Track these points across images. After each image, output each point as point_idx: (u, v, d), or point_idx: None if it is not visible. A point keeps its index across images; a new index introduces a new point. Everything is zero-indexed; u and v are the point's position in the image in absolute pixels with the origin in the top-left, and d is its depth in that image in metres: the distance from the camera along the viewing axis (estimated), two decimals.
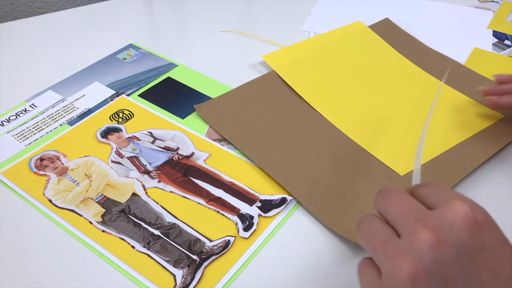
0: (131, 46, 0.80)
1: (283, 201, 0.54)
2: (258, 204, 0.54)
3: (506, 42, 0.83)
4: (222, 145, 0.61)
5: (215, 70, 0.75)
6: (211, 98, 0.69)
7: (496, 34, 0.85)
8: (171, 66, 0.76)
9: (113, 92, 0.70)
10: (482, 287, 0.30)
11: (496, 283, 0.30)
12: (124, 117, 0.65)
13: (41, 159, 0.59)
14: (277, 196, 0.55)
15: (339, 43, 0.72)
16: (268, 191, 0.55)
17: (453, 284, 0.30)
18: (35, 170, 0.58)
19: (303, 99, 0.68)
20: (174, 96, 0.69)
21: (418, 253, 0.31)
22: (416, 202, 0.34)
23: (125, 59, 0.77)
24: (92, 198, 0.54)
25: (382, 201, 0.35)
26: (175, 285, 0.46)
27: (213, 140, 0.62)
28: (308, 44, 0.73)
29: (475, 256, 0.30)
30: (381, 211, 0.35)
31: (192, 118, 0.66)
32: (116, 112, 0.66)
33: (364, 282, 0.34)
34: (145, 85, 0.72)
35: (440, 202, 0.33)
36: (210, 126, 0.64)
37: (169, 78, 0.73)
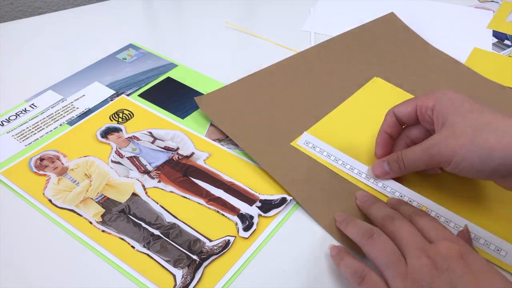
0: (131, 46, 0.80)
1: (283, 201, 0.54)
2: (258, 204, 0.54)
3: (506, 42, 0.83)
4: (222, 145, 0.61)
5: (215, 70, 0.75)
6: None
7: (496, 34, 0.85)
8: (171, 66, 0.76)
9: (113, 92, 0.70)
10: None
11: None
12: (124, 117, 0.65)
13: (41, 159, 0.59)
14: (277, 196, 0.55)
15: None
16: (268, 191, 0.55)
17: None
18: (35, 170, 0.58)
19: (305, 93, 0.68)
20: (174, 96, 0.69)
21: (422, 274, 0.41)
22: (419, 234, 0.45)
23: (125, 59, 0.77)
24: (92, 198, 0.54)
25: (392, 225, 0.46)
26: (175, 285, 0.46)
27: (213, 140, 0.62)
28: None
29: (464, 279, 0.40)
30: (389, 232, 0.46)
31: (192, 118, 0.66)
32: (116, 112, 0.66)
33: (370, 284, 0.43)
34: (145, 85, 0.72)
35: (437, 238, 0.44)
36: (210, 123, 0.64)
37: (169, 78, 0.73)
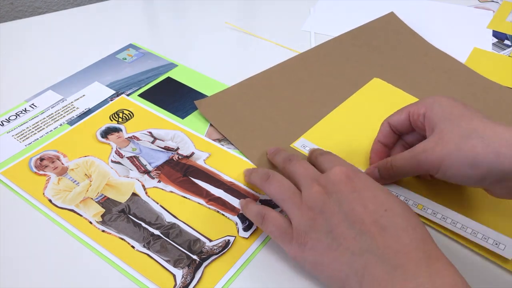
0: (131, 46, 0.80)
1: None
2: (258, 204, 0.54)
3: (506, 42, 0.83)
4: (222, 145, 0.61)
5: (215, 70, 0.75)
6: None
7: (496, 34, 0.85)
8: (171, 66, 0.76)
9: (113, 92, 0.70)
10: (358, 216, 0.43)
11: (366, 212, 0.43)
12: (124, 117, 0.65)
13: (41, 159, 0.59)
14: None
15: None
16: None
17: (336, 218, 0.43)
18: (35, 170, 0.58)
19: (305, 95, 0.68)
20: (174, 96, 0.69)
21: (314, 200, 0.45)
22: (313, 168, 0.50)
23: (125, 59, 0.77)
24: (92, 198, 0.54)
25: (290, 165, 0.51)
26: (175, 285, 0.46)
27: (213, 140, 0.62)
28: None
29: (349, 197, 0.44)
30: (289, 172, 0.51)
31: (192, 118, 0.66)
32: (116, 112, 0.66)
33: (271, 223, 0.48)
34: (145, 85, 0.72)
35: (328, 167, 0.48)
36: (210, 123, 0.64)
37: (169, 78, 0.73)
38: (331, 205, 0.44)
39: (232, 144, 0.61)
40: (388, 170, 0.53)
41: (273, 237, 0.47)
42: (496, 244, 0.49)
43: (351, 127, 0.63)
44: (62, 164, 0.58)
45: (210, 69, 0.75)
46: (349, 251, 0.42)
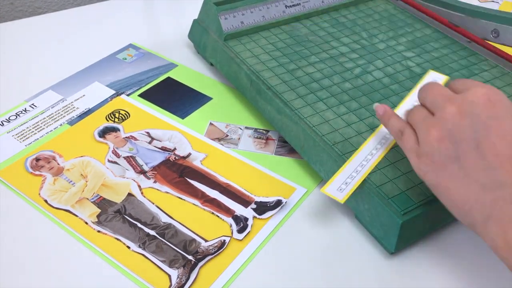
0: (131, 46, 0.80)
1: (278, 203, 0.54)
2: (253, 206, 0.54)
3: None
4: (221, 144, 0.61)
5: (215, 70, 0.75)
6: (211, 98, 0.69)
7: None
8: (171, 66, 0.76)
9: (113, 92, 0.70)
10: (493, 147, 0.39)
11: (503, 143, 0.39)
12: (120, 117, 0.65)
13: (37, 159, 0.59)
14: (272, 198, 0.55)
15: None
16: (264, 193, 0.55)
17: (466, 144, 0.40)
18: (31, 170, 0.58)
19: None
20: (174, 96, 0.70)
21: (444, 122, 0.42)
22: (448, 90, 0.45)
23: (125, 59, 0.77)
24: (87, 198, 0.55)
25: (422, 92, 0.47)
26: (170, 285, 0.46)
27: (213, 139, 0.62)
28: None
29: (487, 123, 0.40)
30: (421, 100, 0.47)
31: (192, 117, 0.66)
32: (112, 112, 0.66)
33: (407, 145, 0.45)
34: (145, 85, 0.72)
35: (466, 89, 0.43)
36: (210, 122, 0.64)
37: (169, 78, 0.73)
38: (463, 128, 0.41)
39: (232, 143, 0.61)
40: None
41: (405, 151, 0.46)
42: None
43: None
44: (58, 164, 0.58)
45: (210, 69, 0.75)
46: (478, 184, 0.40)
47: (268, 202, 0.54)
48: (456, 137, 0.41)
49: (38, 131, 0.64)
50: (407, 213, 0.47)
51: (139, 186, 0.56)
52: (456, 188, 0.41)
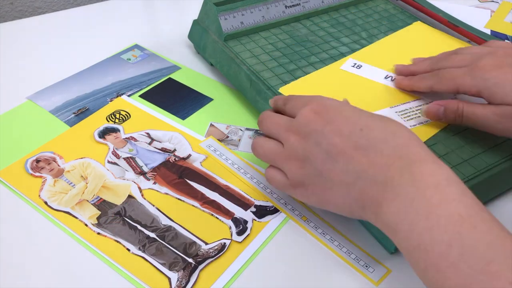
0: (136, 47, 0.80)
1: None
2: (253, 209, 0.54)
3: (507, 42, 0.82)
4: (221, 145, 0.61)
5: (216, 71, 0.75)
6: (212, 99, 0.69)
7: (495, 34, 0.84)
8: (174, 68, 0.76)
9: (114, 92, 0.70)
10: (337, 147, 0.44)
11: (342, 140, 0.44)
12: (120, 118, 0.65)
13: (37, 161, 0.59)
14: (271, 202, 0.55)
15: None
16: (263, 197, 0.55)
17: (320, 158, 0.45)
18: (31, 171, 0.58)
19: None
20: (175, 97, 0.69)
21: (295, 151, 0.47)
22: (283, 117, 0.50)
23: (129, 59, 0.77)
24: (87, 200, 0.54)
25: (261, 125, 0.52)
26: None
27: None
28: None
29: (324, 132, 0.45)
30: (265, 132, 0.52)
31: (193, 119, 0.66)
32: (113, 113, 0.66)
33: (279, 184, 0.50)
34: (146, 86, 0.71)
35: (297, 111, 0.48)
36: (210, 123, 0.64)
37: (170, 79, 0.73)
38: (311, 149, 0.45)
39: (233, 145, 0.61)
40: (457, 116, 0.53)
41: (281, 190, 0.51)
42: (366, 266, 0.49)
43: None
44: (58, 166, 0.58)
45: (212, 71, 0.75)
46: (343, 184, 0.44)
47: (268, 206, 0.54)
48: (311, 158, 0.45)
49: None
50: None
51: (139, 188, 0.56)
52: (333, 197, 0.45)
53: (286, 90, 0.61)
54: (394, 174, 0.41)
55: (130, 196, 0.55)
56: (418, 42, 0.68)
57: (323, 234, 0.52)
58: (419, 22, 0.72)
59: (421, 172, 0.40)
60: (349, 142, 0.44)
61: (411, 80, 0.59)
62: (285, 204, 0.54)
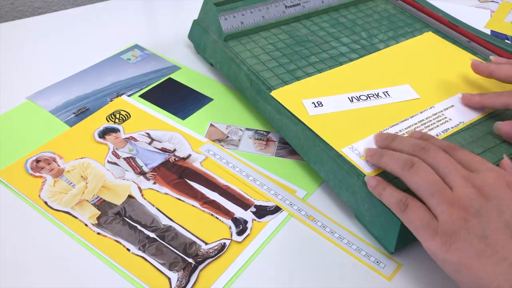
0: (136, 47, 0.80)
1: (278, 207, 0.54)
2: (253, 209, 0.54)
3: (506, 42, 0.82)
4: (222, 145, 0.61)
5: (216, 71, 0.75)
6: (212, 99, 0.69)
7: (495, 34, 0.84)
8: (174, 68, 0.76)
9: (114, 92, 0.70)
10: None
11: None
12: (120, 118, 0.65)
13: (37, 161, 0.59)
14: (272, 202, 0.55)
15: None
16: (263, 197, 0.55)
17: (495, 225, 0.41)
18: (31, 171, 0.58)
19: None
20: (175, 97, 0.69)
21: (469, 200, 0.42)
22: (458, 163, 0.45)
23: (129, 59, 0.77)
24: (87, 200, 0.54)
25: (427, 156, 0.46)
26: None
27: (213, 140, 0.62)
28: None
29: (510, 205, 0.41)
30: (431, 164, 0.46)
31: (193, 119, 0.66)
32: (113, 112, 0.66)
33: (417, 221, 0.44)
34: (146, 86, 0.71)
35: (479, 168, 0.45)
36: (210, 124, 0.64)
37: (170, 79, 0.73)
38: (489, 210, 0.41)
39: (232, 145, 0.61)
40: None
41: (413, 228, 0.44)
42: (377, 262, 0.49)
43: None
44: (58, 166, 0.58)
45: (212, 71, 0.75)
46: (507, 262, 0.39)
47: (268, 206, 0.54)
48: (484, 217, 0.41)
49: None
50: None
51: (139, 188, 0.56)
52: (482, 266, 0.40)
53: (278, 94, 0.60)
54: None
55: (130, 196, 0.55)
56: (429, 53, 0.68)
57: (332, 232, 0.52)
58: (430, 32, 0.71)
59: None
60: None
61: (482, 97, 0.57)
62: (291, 204, 0.54)
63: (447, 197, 0.43)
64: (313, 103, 0.58)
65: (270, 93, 0.60)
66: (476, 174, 0.44)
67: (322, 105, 0.58)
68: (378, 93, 0.60)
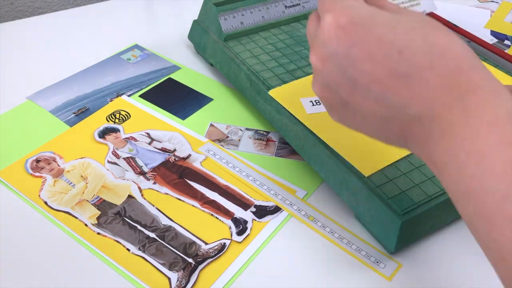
0: (136, 47, 0.80)
1: (278, 207, 0.54)
2: (253, 209, 0.54)
3: (506, 42, 0.82)
4: (222, 145, 0.61)
5: (216, 71, 0.75)
6: (212, 99, 0.69)
7: (495, 34, 0.84)
8: (174, 68, 0.76)
9: (114, 92, 0.70)
10: (367, 76, 0.34)
11: (376, 66, 0.34)
12: (120, 118, 0.65)
13: (37, 161, 0.59)
14: (272, 202, 0.55)
15: None
16: (263, 197, 0.55)
17: (344, 89, 0.36)
18: (31, 171, 0.58)
19: None
20: (175, 97, 0.69)
21: (316, 74, 0.39)
22: (313, 28, 0.39)
23: (129, 59, 0.77)
24: (87, 200, 0.54)
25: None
26: None
27: (213, 140, 0.62)
28: None
29: (349, 55, 0.34)
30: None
31: (193, 119, 0.66)
32: (113, 112, 0.66)
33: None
34: (146, 86, 0.71)
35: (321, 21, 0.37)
36: (210, 124, 0.64)
37: (170, 79, 0.73)
38: (330, 75, 0.37)
39: (232, 145, 0.61)
40: None
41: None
42: (377, 262, 0.49)
43: None
44: (58, 166, 0.58)
45: (213, 71, 0.75)
46: (378, 117, 0.36)
47: (268, 206, 0.54)
48: (332, 86, 0.38)
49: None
50: (407, 213, 0.47)
51: (139, 188, 0.56)
52: (365, 129, 0.39)
53: (276, 92, 0.60)
54: (442, 109, 0.33)
55: (130, 196, 0.55)
56: None
57: (332, 232, 0.52)
58: None
59: (476, 106, 0.32)
60: (384, 69, 0.34)
61: None
62: (291, 204, 0.54)
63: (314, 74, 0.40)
64: (310, 101, 0.59)
65: (268, 92, 0.60)
66: (315, 36, 0.38)
67: (320, 104, 0.58)
68: None
